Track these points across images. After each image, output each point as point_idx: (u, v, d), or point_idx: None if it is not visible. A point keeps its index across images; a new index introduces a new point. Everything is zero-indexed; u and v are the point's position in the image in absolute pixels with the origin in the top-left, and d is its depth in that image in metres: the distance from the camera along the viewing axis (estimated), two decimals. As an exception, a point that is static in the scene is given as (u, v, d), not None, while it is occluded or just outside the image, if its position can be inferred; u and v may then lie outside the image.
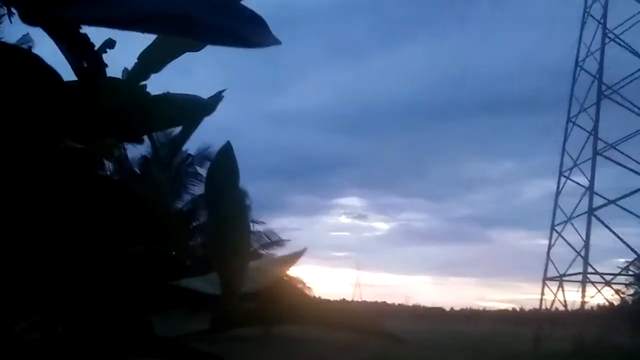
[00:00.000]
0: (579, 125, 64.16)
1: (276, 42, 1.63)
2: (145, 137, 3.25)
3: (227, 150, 2.78)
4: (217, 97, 3.63)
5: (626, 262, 60.63)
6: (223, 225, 2.81)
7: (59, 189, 2.29)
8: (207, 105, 3.69)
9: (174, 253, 2.98)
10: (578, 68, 65.95)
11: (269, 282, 3.21)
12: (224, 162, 2.82)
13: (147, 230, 2.77)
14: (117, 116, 2.39)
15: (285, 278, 4.22)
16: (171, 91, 3.53)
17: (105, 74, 2.23)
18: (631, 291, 63.07)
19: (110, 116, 2.34)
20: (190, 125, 3.84)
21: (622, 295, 62.40)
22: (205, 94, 3.77)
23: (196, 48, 2.99)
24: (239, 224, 2.95)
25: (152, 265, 2.77)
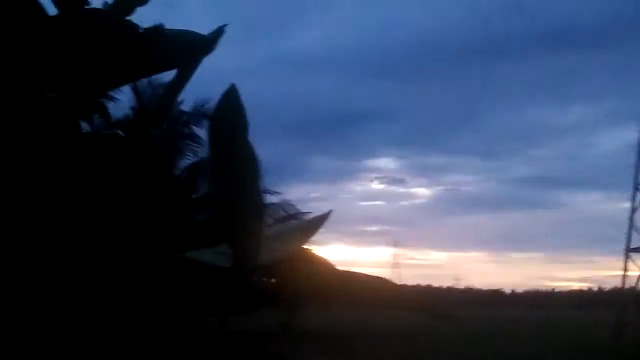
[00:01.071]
0: (667, 58, 63.02)
1: None
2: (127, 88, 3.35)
3: (232, 93, 2.88)
4: (218, 33, 3.71)
5: None
6: (233, 182, 2.90)
7: (41, 145, 2.42)
8: (207, 42, 3.77)
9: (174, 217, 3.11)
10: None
11: (289, 252, 3.32)
12: (229, 106, 2.92)
13: (143, 192, 2.91)
14: (102, 55, 2.50)
15: (307, 248, 4.37)
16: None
17: (87, 3, 2.33)
18: None
19: (94, 55, 2.46)
20: (187, 68, 3.92)
21: None
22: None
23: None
24: (251, 179, 3.06)
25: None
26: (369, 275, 3.92)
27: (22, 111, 2.25)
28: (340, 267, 3.87)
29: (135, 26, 2.93)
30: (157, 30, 2.99)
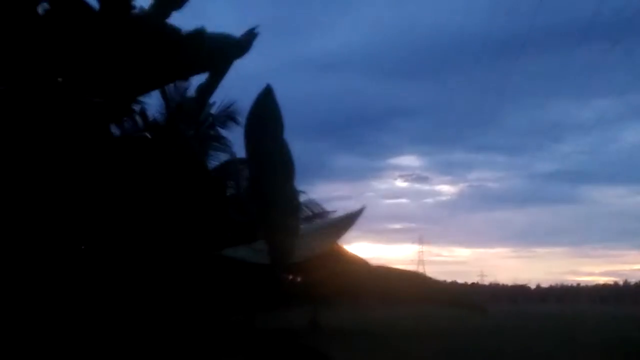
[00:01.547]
0: (692, 50, 62.19)
1: None
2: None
3: (268, 93, 2.96)
4: (251, 35, 3.80)
5: None
6: (269, 180, 2.98)
7: (75, 148, 2.50)
8: (241, 45, 3.87)
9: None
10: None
11: (324, 249, 3.38)
12: (265, 106, 3.00)
13: (179, 190, 2.99)
14: (144, 58, 2.59)
15: (336, 247, 4.41)
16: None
17: (133, 7, 2.41)
18: None
19: (137, 58, 2.54)
20: (221, 70, 4.01)
21: None
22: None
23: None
24: (286, 177, 3.14)
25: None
26: (403, 270, 3.97)
27: (65, 113, 2.33)
28: (373, 264, 3.93)
29: (177, 30, 3.02)
30: (199, 34, 3.08)
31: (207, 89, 4.00)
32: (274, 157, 2.74)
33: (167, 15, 3.45)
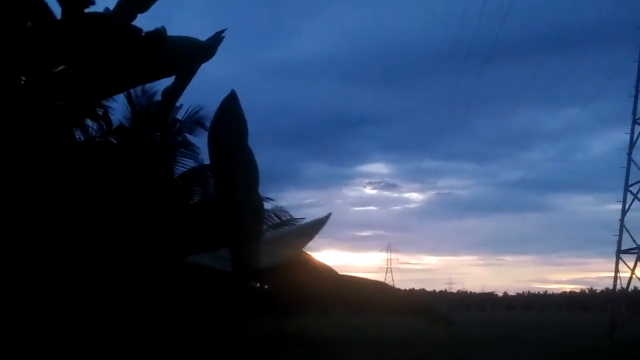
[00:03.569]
0: (655, 60, 63.10)
1: None
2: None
3: (232, 100, 2.90)
4: (217, 39, 3.74)
5: None
6: (233, 187, 2.93)
7: (41, 150, 2.43)
8: (206, 48, 3.80)
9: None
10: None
11: (289, 256, 3.33)
12: (229, 112, 2.94)
13: (143, 195, 2.92)
14: (104, 59, 2.51)
15: (306, 251, 4.36)
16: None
17: (92, 3, 2.33)
18: None
19: (97, 59, 2.47)
20: (186, 73, 3.94)
21: None
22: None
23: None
24: (251, 184, 3.08)
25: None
26: (368, 280, 3.93)
27: (24, 117, 2.25)
28: (339, 272, 3.89)
29: (137, 30, 2.95)
30: (159, 33, 3.00)
31: (173, 93, 3.94)
32: (238, 163, 2.68)
33: (132, 17, 3.38)
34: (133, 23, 3.36)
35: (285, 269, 3.28)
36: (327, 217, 3.55)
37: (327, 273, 3.44)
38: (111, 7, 3.43)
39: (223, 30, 3.52)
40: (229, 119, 2.67)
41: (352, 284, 3.34)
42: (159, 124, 4.77)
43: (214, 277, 3.22)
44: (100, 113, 5.39)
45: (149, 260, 2.90)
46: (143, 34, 3.16)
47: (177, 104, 4.41)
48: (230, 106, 2.62)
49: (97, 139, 4.62)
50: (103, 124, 7.99)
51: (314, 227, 3.70)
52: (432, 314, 3.64)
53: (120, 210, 2.87)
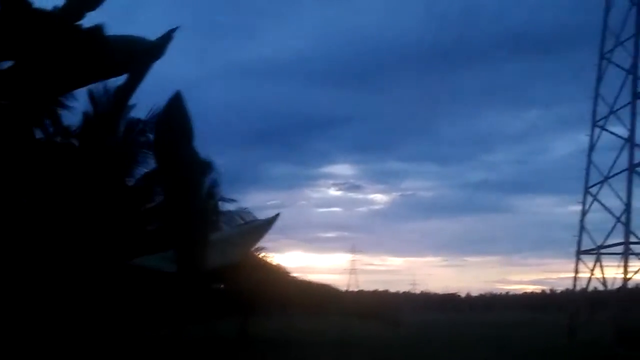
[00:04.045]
0: (614, 63, 63.74)
1: None
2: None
3: (177, 100, 2.85)
4: (167, 38, 3.69)
5: (677, 227, 61.02)
6: (178, 189, 2.90)
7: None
8: (155, 48, 3.74)
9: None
10: (611, -9, 65.63)
11: (239, 256, 3.30)
12: (174, 113, 2.89)
13: (94, 200, 2.87)
14: (48, 58, 2.46)
15: (257, 251, 4.33)
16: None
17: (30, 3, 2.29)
18: (684, 263, 63.65)
19: (40, 57, 2.42)
20: (136, 73, 3.88)
21: (672, 269, 63.00)
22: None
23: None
24: (195, 186, 3.05)
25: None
26: (320, 284, 3.92)
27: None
28: (293, 274, 3.88)
29: (77, 27, 2.90)
30: (98, 30, 2.95)
31: (124, 92, 3.90)
32: (183, 165, 2.66)
33: (81, 16, 3.33)
34: (83, 22, 3.31)
35: (238, 270, 3.27)
36: (276, 217, 3.55)
37: (280, 275, 3.43)
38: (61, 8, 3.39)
39: (174, 30, 3.49)
40: (174, 121, 2.65)
41: (302, 287, 3.34)
42: (112, 124, 4.71)
43: (164, 280, 3.22)
44: (52, 114, 5.31)
45: (94, 263, 2.87)
46: (83, 29, 3.12)
47: (132, 103, 4.35)
48: (175, 107, 2.59)
49: (44, 141, 4.56)
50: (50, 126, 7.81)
51: (263, 227, 3.69)
52: (380, 317, 3.66)
53: (66, 213, 2.84)
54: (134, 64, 3.63)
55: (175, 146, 2.72)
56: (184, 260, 2.85)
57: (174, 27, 3.53)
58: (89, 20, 3.81)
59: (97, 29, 3.16)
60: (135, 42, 3.60)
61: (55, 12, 3.08)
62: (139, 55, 3.61)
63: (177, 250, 2.85)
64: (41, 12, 2.87)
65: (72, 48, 3.01)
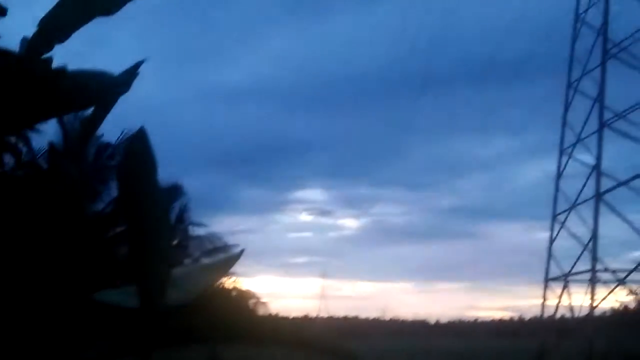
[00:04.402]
0: (581, 92, 64.79)
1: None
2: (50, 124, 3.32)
3: (140, 137, 2.85)
4: (132, 73, 3.68)
5: (643, 255, 61.49)
6: (139, 226, 2.89)
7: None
8: (120, 83, 3.74)
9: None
10: (578, 21, 66.62)
11: (200, 292, 3.30)
12: (137, 151, 2.89)
13: (56, 233, 2.87)
14: (12, 97, 2.47)
15: (221, 286, 4.35)
16: (85, 66, 3.52)
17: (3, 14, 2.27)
18: (649, 291, 64.03)
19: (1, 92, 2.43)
20: (102, 107, 3.87)
21: (638, 296, 63.51)
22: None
23: (108, 11, 2.97)
24: (157, 223, 3.05)
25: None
26: (282, 318, 3.92)
27: None
28: (263, 299, 3.87)
29: (48, 67, 2.90)
30: (61, 71, 2.95)
31: (90, 125, 3.89)
32: (144, 203, 2.66)
33: (50, 47, 3.32)
34: (58, 54, 3.33)
35: (199, 304, 3.27)
36: (240, 253, 3.55)
37: (244, 311, 3.41)
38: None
39: (140, 63, 3.49)
40: (137, 157, 2.64)
41: (263, 322, 3.33)
42: (78, 155, 4.69)
43: (125, 314, 3.19)
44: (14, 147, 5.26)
45: (55, 296, 2.85)
46: (51, 72, 3.11)
47: (100, 132, 4.36)
48: (138, 147, 2.58)
49: (8, 173, 4.52)
50: (10, 159, 7.72)
51: (227, 263, 3.68)
52: (339, 352, 3.65)
53: (25, 246, 2.82)
54: (99, 99, 3.63)
55: (138, 184, 2.72)
56: (143, 297, 2.85)
57: (140, 60, 3.53)
58: (60, 48, 3.80)
59: (61, 71, 3.17)
60: (99, 76, 3.60)
61: (20, 52, 3.08)
62: (104, 90, 3.61)
63: (137, 287, 2.86)
64: (3, 52, 2.88)
65: (33, 86, 3.02)
